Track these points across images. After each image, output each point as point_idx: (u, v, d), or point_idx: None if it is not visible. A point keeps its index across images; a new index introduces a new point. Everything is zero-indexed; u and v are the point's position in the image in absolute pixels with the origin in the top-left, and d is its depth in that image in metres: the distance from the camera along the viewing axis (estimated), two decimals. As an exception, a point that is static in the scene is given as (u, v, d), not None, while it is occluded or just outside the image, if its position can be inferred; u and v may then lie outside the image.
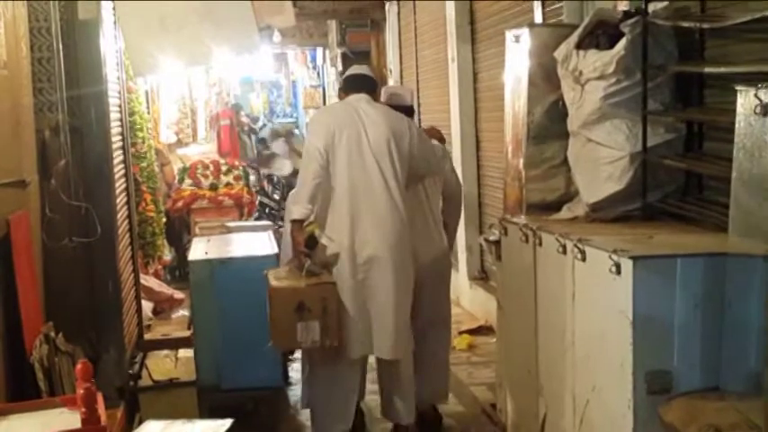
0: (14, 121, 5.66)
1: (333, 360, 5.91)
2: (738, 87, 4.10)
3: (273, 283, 5.69)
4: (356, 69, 6.45)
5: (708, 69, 4.98)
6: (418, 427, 6.36)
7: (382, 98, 6.60)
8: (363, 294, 5.86)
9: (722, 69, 4.80)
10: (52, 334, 5.50)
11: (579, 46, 5.51)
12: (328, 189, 5.86)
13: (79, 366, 4.40)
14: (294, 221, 5.75)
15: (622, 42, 5.18)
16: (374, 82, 6.33)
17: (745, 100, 4.06)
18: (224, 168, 12.87)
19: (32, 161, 6.05)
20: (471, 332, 8.78)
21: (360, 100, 6.08)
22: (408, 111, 6.55)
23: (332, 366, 5.96)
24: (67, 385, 5.30)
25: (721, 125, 4.83)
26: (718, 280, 4.03)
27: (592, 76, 5.33)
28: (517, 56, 6.22)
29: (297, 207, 5.78)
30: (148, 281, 9.67)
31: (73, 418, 4.28)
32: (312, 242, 5.74)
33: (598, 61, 5.28)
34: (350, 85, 6.22)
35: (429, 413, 6.60)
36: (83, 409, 4.16)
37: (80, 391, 4.24)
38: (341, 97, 6.27)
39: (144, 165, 9.76)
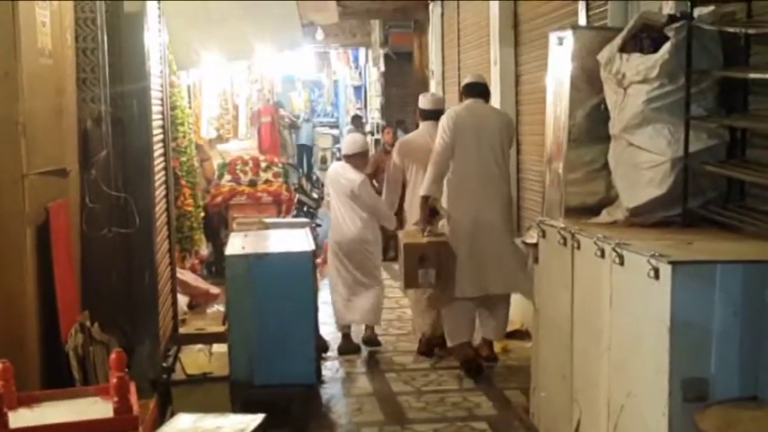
0: (57, 111, 5.69)
1: (456, 297, 7.80)
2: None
3: (404, 240, 7.76)
4: (472, 78, 8.27)
5: (753, 75, 4.93)
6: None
7: (427, 104, 8.73)
8: (480, 249, 7.71)
9: (767, 75, 4.74)
10: (88, 323, 5.52)
11: (623, 49, 5.47)
12: (451, 172, 7.76)
13: (113, 356, 4.42)
14: (422, 197, 7.76)
15: (667, 46, 5.14)
16: (486, 88, 8.18)
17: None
18: (263, 165, 12.88)
19: (74, 150, 6.08)
20: (507, 336, 8.72)
21: (476, 102, 7.96)
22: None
23: (457, 301, 7.84)
24: (101, 375, 5.32)
25: (765, 132, 4.77)
26: (758, 287, 3.98)
27: (635, 80, 5.29)
28: (560, 58, 6.18)
29: (425, 186, 7.74)
30: (185, 275, 9.70)
31: (105, 407, 4.31)
32: (433, 212, 7.81)
33: (641, 65, 5.24)
34: (468, 91, 8.05)
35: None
36: (115, 399, 4.19)
37: (113, 381, 4.26)
38: (461, 100, 8.12)
39: (184, 159, 9.79)
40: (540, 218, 6.16)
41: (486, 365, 7.96)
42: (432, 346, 8.44)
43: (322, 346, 8.08)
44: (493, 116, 8.03)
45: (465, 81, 8.30)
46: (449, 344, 8.09)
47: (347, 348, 8.67)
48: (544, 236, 5.81)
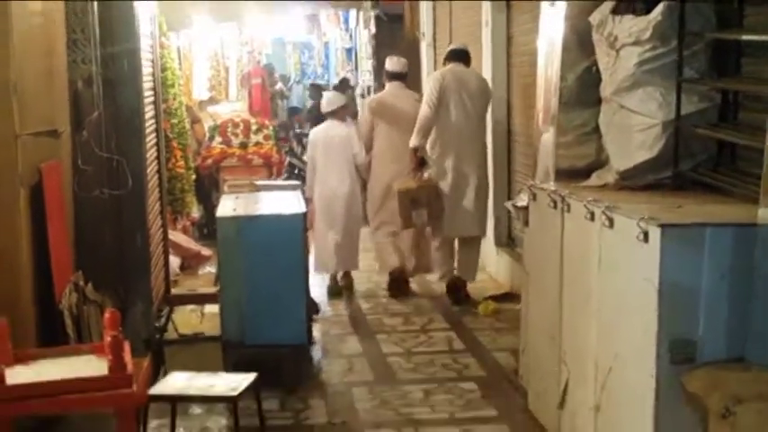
0: (48, 71, 5.68)
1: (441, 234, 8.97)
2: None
3: (397, 187, 8.78)
4: (454, 46, 9.41)
5: (746, 37, 4.92)
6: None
7: (393, 66, 9.62)
8: (459, 194, 8.76)
9: (761, 37, 4.73)
10: (81, 283, 5.55)
11: (615, 11, 5.47)
12: (436, 127, 8.74)
13: (107, 315, 4.45)
14: (412, 149, 8.74)
15: (659, 8, 5.13)
16: (468, 54, 9.09)
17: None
18: (254, 127, 12.87)
19: (65, 112, 6.08)
20: (496, 298, 8.78)
21: (458, 66, 8.93)
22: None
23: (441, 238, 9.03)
24: (95, 334, 5.36)
25: (758, 94, 4.78)
26: (747, 251, 3.98)
27: (627, 42, 5.28)
28: (552, 20, 6.17)
29: (414, 138, 8.71)
30: (176, 236, 9.73)
31: (100, 365, 4.35)
32: (422, 162, 8.80)
33: (634, 27, 5.24)
34: (452, 56, 9.05)
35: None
36: (109, 357, 4.22)
37: (107, 339, 4.30)
38: (444, 64, 9.10)
39: (175, 121, 9.77)
40: (531, 181, 6.18)
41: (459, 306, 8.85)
42: (402, 285, 9.32)
43: (313, 308, 8.11)
44: (473, 78, 9.00)
45: (449, 48, 9.41)
46: (438, 273, 9.24)
47: (336, 289, 9.47)
48: (534, 199, 5.83)
